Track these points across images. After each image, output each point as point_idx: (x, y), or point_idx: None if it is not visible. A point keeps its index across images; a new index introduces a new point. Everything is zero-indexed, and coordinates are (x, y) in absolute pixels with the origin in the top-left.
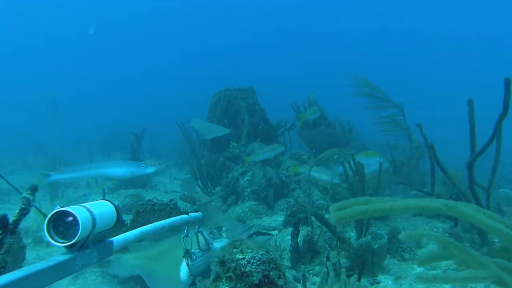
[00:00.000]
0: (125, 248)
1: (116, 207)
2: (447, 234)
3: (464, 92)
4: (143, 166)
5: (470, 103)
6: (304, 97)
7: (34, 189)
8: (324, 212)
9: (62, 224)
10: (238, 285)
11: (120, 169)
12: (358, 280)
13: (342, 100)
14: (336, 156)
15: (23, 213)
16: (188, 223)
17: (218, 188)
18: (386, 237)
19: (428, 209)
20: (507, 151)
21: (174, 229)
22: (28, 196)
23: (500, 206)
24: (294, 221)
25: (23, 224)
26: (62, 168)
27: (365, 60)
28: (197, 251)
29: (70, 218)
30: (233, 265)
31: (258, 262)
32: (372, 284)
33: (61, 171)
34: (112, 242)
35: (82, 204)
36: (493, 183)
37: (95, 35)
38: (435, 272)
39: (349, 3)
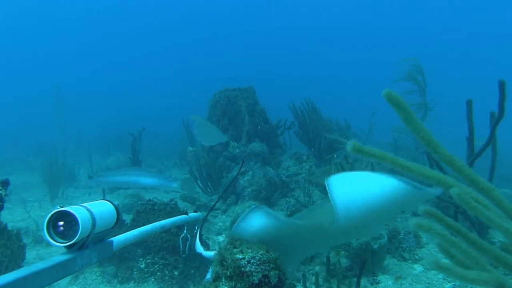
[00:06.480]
0: None
1: (116, 207)
2: None
3: (463, 91)
4: (171, 180)
5: (469, 103)
6: (303, 96)
7: (4, 183)
8: None
9: (62, 224)
10: (238, 285)
11: (151, 179)
12: (358, 280)
13: (341, 99)
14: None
15: None
16: (188, 223)
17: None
18: (386, 237)
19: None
20: (507, 151)
21: None
22: None
23: None
24: None
25: (23, 224)
26: (103, 172)
27: (364, 59)
28: None
29: (70, 218)
30: (233, 265)
31: (258, 262)
32: (372, 284)
33: (102, 174)
34: (112, 242)
35: (82, 204)
36: (492, 183)
37: (93, 33)
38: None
39: (349, 3)
